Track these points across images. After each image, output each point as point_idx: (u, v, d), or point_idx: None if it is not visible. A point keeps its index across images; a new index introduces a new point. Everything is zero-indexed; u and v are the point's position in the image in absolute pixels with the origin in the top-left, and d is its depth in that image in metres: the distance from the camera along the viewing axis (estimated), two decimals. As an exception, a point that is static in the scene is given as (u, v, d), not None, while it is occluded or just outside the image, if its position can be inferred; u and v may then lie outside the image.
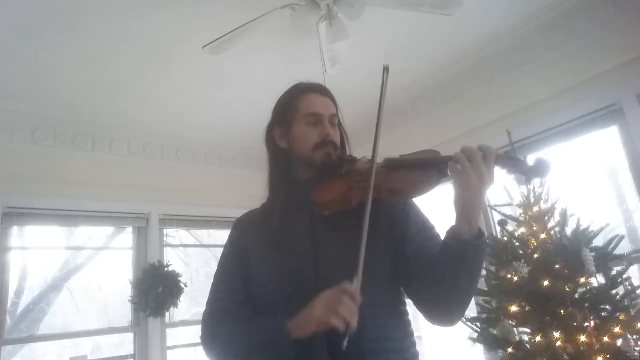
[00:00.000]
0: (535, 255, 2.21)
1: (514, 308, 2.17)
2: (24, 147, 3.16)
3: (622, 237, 2.16)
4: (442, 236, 1.00)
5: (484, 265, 2.26)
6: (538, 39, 2.85)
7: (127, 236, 3.69)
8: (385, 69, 1.05)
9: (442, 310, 1.00)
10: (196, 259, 4.33)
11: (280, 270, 1.06)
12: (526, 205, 2.35)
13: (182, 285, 3.49)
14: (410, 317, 1.11)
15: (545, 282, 2.10)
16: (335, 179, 1.09)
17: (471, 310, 2.68)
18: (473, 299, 1.95)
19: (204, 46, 2.36)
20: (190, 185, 3.85)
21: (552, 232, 2.25)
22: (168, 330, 3.51)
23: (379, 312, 1.02)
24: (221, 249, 1.24)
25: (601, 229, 2.15)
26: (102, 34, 2.52)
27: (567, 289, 2.03)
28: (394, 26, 2.75)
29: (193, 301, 3.88)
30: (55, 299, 3.61)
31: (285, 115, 1.18)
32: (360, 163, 1.08)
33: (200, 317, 1.15)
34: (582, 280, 2.06)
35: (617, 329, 1.94)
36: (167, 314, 3.45)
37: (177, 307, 3.47)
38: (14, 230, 3.16)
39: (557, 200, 2.30)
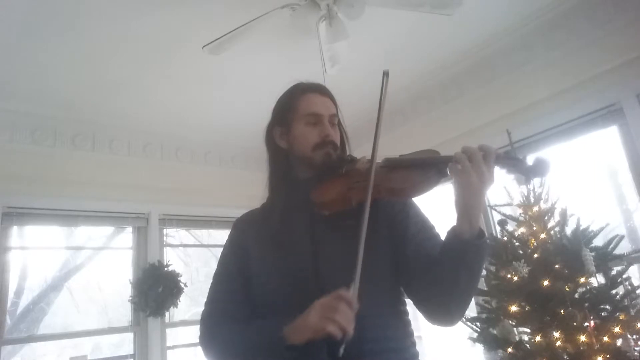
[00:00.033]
0: (535, 255, 2.21)
1: (514, 308, 2.17)
2: (24, 147, 3.16)
3: (622, 237, 2.16)
4: (442, 236, 1.00)
5: (484, 265, 2.26)
6: (538, 39, 2.85)
7: (127, 236, 3.69)
8: (385, 74, 1.05)
9: (442, 310, 1.00)
10: (196, 259, 4.33)
11: (280, 270, 1.06)
12: (526, 205, 2.35)
13: (182, 285, 3.49)
14: (410, 317, 1.11)
15: (545, 282, 2.10)
16: (335, 179, 1.09)
17: (471, 310, 2.68)
18: (473, 299, 1.95)
19: (204, 46, 2.36)
20: (190, 185, 3.85)
21: (552, 232, 2.25)
22: (168, 330, 3.51)
23: (378, 312, 1.01)
24: (221, 249, 1.24)
25: (601, 229, 2.15)
26: (102, 34, 2.52)
27: (567, 289, 2.03)
28: (394, 26, 2.75)
29: (193, 301, 3.88)
30: (55, 299, 3.61)
31: (285, 115, 1.18)
32: (360, 163, 1.08)
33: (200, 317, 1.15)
34: (582, 280, 2.06)
35: (617, 329, 1.94)
36: (167, 314, 3.45)
37: (177, 307, 3.47)
38: (14, 230, 3.16)
39: (557, 200, 2.30)
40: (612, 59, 2.51)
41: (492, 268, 2.34)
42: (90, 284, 3.61)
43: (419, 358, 1.07)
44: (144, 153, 3.71)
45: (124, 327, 3.42)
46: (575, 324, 1.97)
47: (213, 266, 1.22)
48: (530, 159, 0.94)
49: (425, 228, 1.08)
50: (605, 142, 2.70)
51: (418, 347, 1.09)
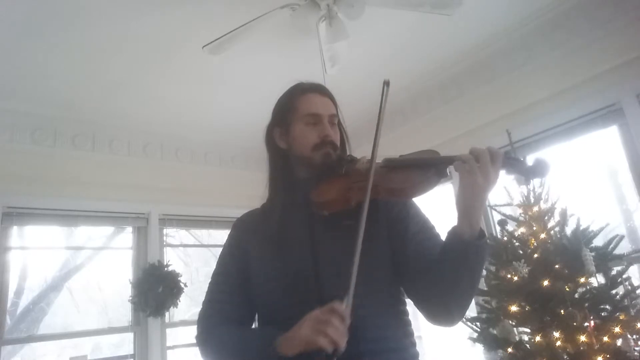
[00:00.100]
0: (535, 255, 2.21)
1: (514, 308, 2.17)
2: (24, 147, 3.16)
3: (622, 237, 2.16)
4: (442, 236, 1.00)
5: (485, 265, 2.26)
6: (538, 39, 2.85)
7: (127, 236, 3.69)
8: (386, 84, 1.05)
9: (443, 310, 1.00)
10: (196, 259, 4.34)
11: (279, 270, 1.07)
12: (526, 205, 2.35)
13: (182, 285, 3.49)
14: (410, 317, 1.11)
15: (545, 282, 2.10)
16: (335, 179, 1.09)
17: (471, 310, 2.68)
18: (473, 299, 1.95)
19: (204, 46, 2.36)
20: (190, 185, 3.85)
21: (552, 232, 2.25)
22: (168, 330, 3.51)
23: (378, 312, 1.01)
24: (221, 249, 1.24)
25: (601, 229, 2.15)
26: (102, 34, 2.52)
27: (567, 289, 2.03)
28: (394, 26, 2.75)
29: (193, 301, 3.88)
30: (55, 299, 3.61)
31: (285, 116, 1.18)
32: (360, 163, 1.08)
33: (200, 317, 1.15)
34: (582, 280, 2.06)
35: (617, 329, 1.94)
36: (167, 314, 3.45)
37: (177, 307, 3.48)
38: (14, 230, 3.16)
39: (557, 200, 2.30)
40: (612, 59, 2.51)
41: (492, 268, 2.34)
42: (90, 284, 3.61)
43: (419, 358, 1.07)
44: (144, 153, 3.71)
45: (124, 327, 3.42)
46: (575, 324, 1.97)
47: (213, 266, 1.22)
48: (530, 160, 0.94)
49: (425, 228, 1.08)
50: (605, 142, 2.70)
51: (418, 347, 1.08)
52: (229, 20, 2.30)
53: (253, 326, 1.17)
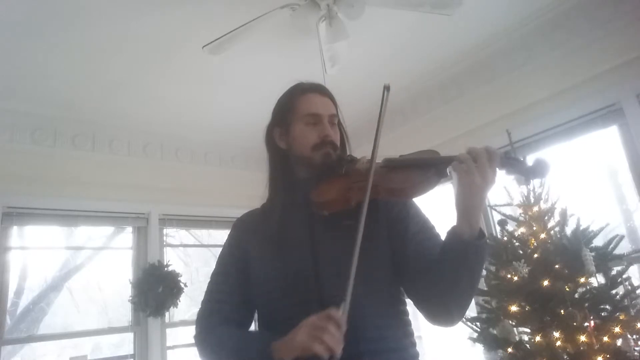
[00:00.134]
0: (535, 255, 2.21)
1: (514, 308, 2.17)
2: (24, 147, 3.16)
3: (622, 237, 2.16)
4: (442, 236, 1.00)
5: (485, 265, 2.26)
6: (538, 39, 2.85)
7: (127, 236, 3.69)
8: (386, 89, 1.04)
9: (443, 310, 1.00)
10: (196, 259, 4.33)
11: (279, 271, 1.07)
12: (526, 205, 2.35)
13: (182, 285, 3.49)
14: (410, 317, 1.11)
15: (545, 282, 2.10)
16: (335, 179, 1.09)
17: (471, 310, 2.68)
18: (473, 299, 1.95)
19: (204, 46, 2.36)
20: (190, 185, 3.85)
21: (552, 232, 2.25)
22: (168, 330, 3.51)
23: (378, 312, 1.02)
24: (221, 249, 1.24)
25: (601, 229, 2.15)
26: (102, 34, 2.52)
27: (567, 289, 2.03)
28: (394, 26, 2.75)
29: (193, 301, 3.88)
30: (55, 299, 3.61)
31: (285, 116, 1.18)
32: (360, 163, 1.08)
33: (200, 317, 1.15)
34: (582, 280, 2.06)
35: (617, 329, 1.94)
36: (167, 314, 3.45)
37: (177, 307, 3.48)
38: (14, 230, 3.16)
39: (557, 200, 2.30)
40: (612, 59, 2.51)
41: (492, 268, 2.34)
42: (90, 284, 3.61)
43: (419, 358, 1.07)
44: (144, 153, 3.71)
45: (124, 327, 3.42)
46: (575, 324, 1.97)
47: (213, 266, 1.22)
48: (530, 160, 0.94)
49: (425, 228, 1.08)
50: (605, 142, 2.70)
51: (418, 347, 1.08)
52: (229, 20, 2.30)
53: (252, 326, 1.18)
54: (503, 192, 2.46)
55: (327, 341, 0.82)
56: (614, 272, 2.09)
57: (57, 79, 2.90)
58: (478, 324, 2.34)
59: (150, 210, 3.64)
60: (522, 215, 2.36)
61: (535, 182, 2.34)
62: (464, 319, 2.24)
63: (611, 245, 2.14)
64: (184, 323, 3.71)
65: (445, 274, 0.95)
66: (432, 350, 3.46)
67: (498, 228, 2.53)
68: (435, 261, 0.97)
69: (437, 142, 2.96)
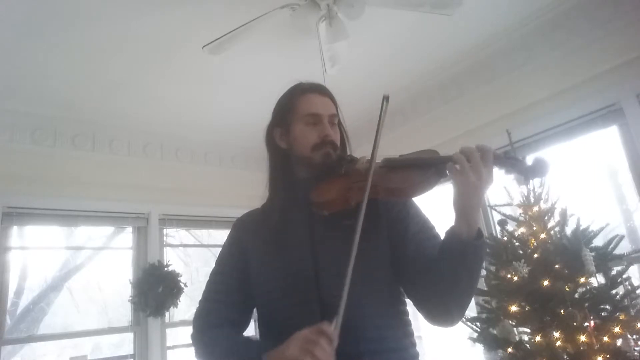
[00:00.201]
0: (535, 255, 2.21)
1: (514, 308, 2.17)
2: (24, 147, 3.16)
3: (622, 237, 2.16)
4: (442, 237, 1.00)
5: (484, 265, 2.26)
6: (538, 39, 2.85)
7: (127, 236, 3.69)
8: (385, 99, 1.04)
9: (442, 310, 1.00)
10: (196, 259, 4.33)
11: (279, 271, 1.07)
12: (526, 205, 2.35)
13: (182, 285, 3.49)
14: (410, 317, 1.11)
15: (545, 282, 2.10)
16: (335, 179, 1.09)
17: (471, 310, 2.68)
18: (473, 299, 1.95)
19: (204, 46, 2.36)
20: (190, 185, 3.85)
21: (552, 232, 2.25)
22: (168, 330, 3.51)
23: (378, 312, 1.02)
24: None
25: (601, 229, 2.15)
26: (102, 34, 2.52)
27: (567, 289, 2.03)
28: (394, 26, 2.75)
29: (193, 301, 3.88)
30: (55, 299, 3.61)
31: (285, 116, 1.18)
32: (360, 163, 1.08)
33: (200, 317, 1.16)
34: (582, 280, 2.06)
35: (617, 329, 1.94)
36: (167, 314, 3.45)
37: (177, 307, 3.48)
38: (14, 230, 3.17)
39: (557, 200, 2.30)
40: (612, 59, 2.51)
41: (492, 268, 2.34)
42: (90, 284, 3.61)
43: (419, 358, 1.07)
44: (144, 153, 3.71)
45: (124, 327, 3.42)
46: (575, 324, 1.97)
47: (213, 266, 1.22)
48: (529, 159, 0.94)
49: (425, 228, 1.08)
50: (605, 142, 2.70)
51: (418, 347, 1.08)
52: (229, 20, 2.30)
53: (250, 325, 1.18)
54: (503, 192, 2.46)
55: (319, 355, 0.82)
56: (614, 272, 2.08)
57: (57, 79, 2.90)
58: (478, 324, 2.34)
59: (150, 210, 3.64)
60: (522, 215, 2.36)
61: (535, 182, 2.34)
62: (463, 319, 2.24)
63: (611, 245, 2.14)
64: (184, 323, 3.71)
65: (444, 274, 0.94)
66: (432, 350, 3.46)
67: (498, 228, 2.53)
68: (435, 261, 0.97)
69: (437, 142, 2.96)
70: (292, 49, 2.86)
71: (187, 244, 4.24)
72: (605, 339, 1.95)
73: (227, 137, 4.00)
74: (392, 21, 2.68)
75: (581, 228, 2.16)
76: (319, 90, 1.19)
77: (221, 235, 4.01)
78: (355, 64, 2.99)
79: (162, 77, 3.01)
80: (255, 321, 1.19)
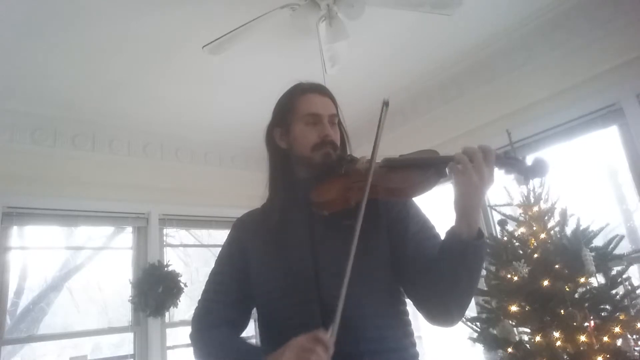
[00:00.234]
0: (535, 255, 2.21)
1: (514, 308, 2.17)
2: (24, 147, 3.16)
3: (622, 237, 2.16)
4: (442, 237, 1.00)
5: (484, 265, 2.26)
6: (538, 39, 2.85)
7: (127, 236, 3.69)
8: (385, 104, 1.04)
9: (442, 310, 1.00)
10: (196, 259, 4.34)
11: (279, 271, 1.07)
12: (526, 205, 2.35)
13: (182, 285, 3.49)
14: (410, 317, 1.11)
15: (545, 282, 2.10)
16: (335, 179, 1.09)
17: (471, 310, 2.68)
18: (473, 299, 1.95)
19: (204, 46, 2.36)
20: (190, 185, 3.85)
21: (552, 232, 2.25)
22: (168, 330, 3.51)
23: (378, 312, 1.02)
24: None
25: (601, 229, 2.15)
26: (102, 34, 2.52)
27: (567, 289, 2.03)
28: (394, 26, 2.75)
29: (193, 301, 3.88)
30: (55, 299, 3.61)
31: (285, 116, 1.18)
32: (360, 163, 1.08)
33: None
34: (582, 280, 2.06)
35: (617, 329, 1.94)
36: (167, 314, 3.45)
37: (177, 307, 3.48)
38: (14, 230, 3.16)
39: (557, 200, 2.30)
40: (612, 59, 2.51)
41: (492, 268, 2.34)
42: (90, 284, 3.61)
43: (419, 358, 1.07)
44: (144, 153, 3.71)
45: (124, 327, 3.42)
46: (575, 324, 1.97)
47: (213, 266, 1.22)
48: (528, 159, 0.94)
49: (425, 228, 1.08)
50: (605, 142, 2.70)
51: (418, 347, 1.08)
52: (229, 20, 2.30)
53: (250, 325, 1.18)
54: (503, 192, 2.46)
55: None
56: (614, 272, 2.09)
57: (57, 79, 2.90)
58: (478, 324, 2.34)
59: (150, 210, 3.64)
60: (522, 215, 2.36)
61: (535, 182, 2.34)
62: (464, 319, 2.24)
63: (611, 245, 2.14)
64: (184, 323, 3.71)
65: (444, 274, 0.94)
66: (432, 350, 3.46)
67: (498, 228, 2.53)
68: (435, 261, 0.97)
69: (437, 142, 2.96)
70: (292, 49, 2.86)
71: (187, 244, 4.24)
72: (605, 339, 1.95)
73: (227, 137, 4.00)
74: (392, 21, 2.68)
75: (581, 228, 2.16)
76: (319, 90, 1.19)
77: (221, 235, 4.01)
78: (355, 64, 2.99)
79: (162, 77, 3.01)
80: (255, 321, 1.19)
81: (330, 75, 2.60)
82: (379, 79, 3.30)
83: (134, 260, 3.56)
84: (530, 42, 2.88)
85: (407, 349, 1.04)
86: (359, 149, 1.17)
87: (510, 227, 2.40)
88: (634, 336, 1.95)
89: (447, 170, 0.97)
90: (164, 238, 3.75)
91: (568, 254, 2.11)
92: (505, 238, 2.35)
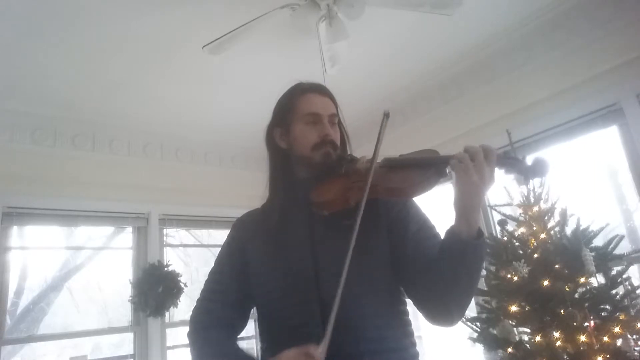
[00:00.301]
0: (535, 255, 2.21)
1: (514, 308, 2.17)
2: (24, 147, 3.16)
3: (622, 237, 2.16)
4: (442, 236, 1.00)
5: (484, 265, 2.26)
6: (538, 39, 2.85)
7: (127, 236, 3.69)
8: (386, 116, 1.03)
9: (442, 310, 1.00)
10: (196, 259, 4.34)
11: (279, 271, 1.07)
12: (526, 205, 2.35)
13: (182, 285, 3.49)
14: (410, 317, 1.11)
15: (545, 282, 2.10)
16: (335, 179, 1.09)
17: (471, 310, 2.68)
18: (473, 299, 1.95)
19: (204, 46, 2.36)
20: (190, 185, 3.85)
21: (552, 232, 2.25)
22: (168, 330, 3.51)
23: (378, 312, 1.01)
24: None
25: (601, 229, 2.15)
26: (102, 34, 2.52)
27: (567, 289, 2.03)
28: (394, 26, 2.75)
29: (193, 301, 3.83)
30: (55, 299, 3.61)
31: (285, 116, 1.18)
32: (360, 163, 1.08)
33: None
34: (582, 280, 2.06)
35: (617, 329, 1.94)
36: (167, 314, 3.45)
37: (177, 307, 3.48)
38: (14, 230, 3.16)
39: (557, 200, 2.30)
40: (612, 59, 2.51)
41: (492, 268, 2.34)
42: (90, 284, 3.62)
43: (419, 358, 1.07)
44: (144, 153, 3.71)
45: (124, 327, 3.42)
46: (575, 324, 1.97)
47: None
48: (529, 159, 0.94)
49: (425, 227, 1.08)
50: (605, 142, 2.70)
51: (418, 347, 1.08)
52: (229, 20, 2.30)
53: (249, 325, 1.18)
54: (503, 192, 2.46)
55: None
56: (614, 272, 2.08)
57: (57, 79, 2.90)
58: (478, 324, 2.34)
59: (150, 210, 3.64)
60: (522, 215, 2.36)
61: (535, 182, 2.34)
62: (463, 319, 2.24)
63: (611, 245, 2.14)
64: (184, 323, 3.71)
65: (444, 274, 0.94)
66: (432, 350, 3.46)
67: (498, 228, 2.53)
68: (435, 261, 0.97)
69: (437, 142, 2.96)
70: (292, 49, 2.85)
71: (187, 244, 4.24)
72: (605, 339, 1.95)
73: (227, 137, 4.00)
74: (392, 21, 2.68)
75: (581, 228, 2.16)
76: (319, 90, 1.19)
77: (221, 235, 4.01)
78: (355, 64, 2.99)
79: (162, 77, 3.01)
80: (255, 321, 1.19)
81: (330, 75, 2.60)
82: (379, 79, 3.30)
83: (134, 260, 3.56)
84: (530, 42, 2.88)
85: (407, 349, 1.04)
86: (359, 149, 1.17)
87: (510, 227, 2.40)
88: (634, 336, 1.95)
89: (447, 170, 0.97)
90: (164, 238, 3.75)
91: (568, 254, 2.11)
92: (505, 238, 2.35)
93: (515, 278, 2.18)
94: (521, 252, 2.26)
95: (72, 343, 3.41)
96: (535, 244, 2.24)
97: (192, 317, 1.15)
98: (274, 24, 2.37)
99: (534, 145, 2.88)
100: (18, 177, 3.06)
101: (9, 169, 3.05)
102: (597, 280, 2.10)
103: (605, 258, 2.11)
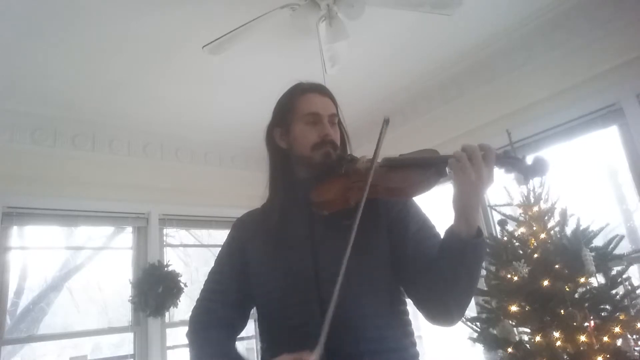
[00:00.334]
0: (535, 255, 2.21)
1: (514, 308, 2.17)
2: (24, 147, 3.16)
3: (622, 237, 2.16)
4: (442, 236, 1.00)
5: (484, 265, 2.27)
6: (538, 39, 2.85)
7: (127, 236, 3.69)
8: (386, 122, 1.03)
9: (442, 310, 1.00)
10: (196, 259, 4.34)
11: (279, 271, 1.07)
12: (526, 205, 2.35)
13: (182, 285, 3.49)
14: (410, 317, 1.11)
15: (545, 282, 2.10)
16: (335, 179, 1.09)
17: (471, 310, 2.68)
18: (473, 299, 1.95)
19: (204, 46, 2.36)
20: (190, 185, 3.85)
21: (552, 232, 2.25)
22: (168, 330, 3.51)
23: (378, 312, 1.01)
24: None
25: (601, 229, 2.15)
26: (102, 34, 2.52)
27: (567, 289, 2.03)
28: (394, 26, 2.75)
29: (193, 301, 3.83)
30: (55, 299, 3.61)
31: (285, 116, 1.18)
32: (360, 163, 1.08)
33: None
34: (582, 280, 2.06)
35: (617, 329, 1.94)
36: (167, 314, 3.45)
37: (177, 307, 3.48)
38: (14, 230, 3.16)
39: (557, 200, 2.30)
40: (612, 59, 2.51)
41: (492, 268, 2.34)
42: (90, 284, 3.62)
43: (419, 358, 1.07)
44: (144, 153, 3.71)
45: (124, 327, 3.42)
46: (575, 324, 1.97)
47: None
48: (528, 159, 0.94)
49: (425, 227, 1.08)
50: (605, 142, 2.70)
51: (418, 347, 1.08)
52: (229, 20, 2.30)
53: (249, 325, 1.19)
54: (503, 192, 2.46)
55: None
56: (614, 272, 2.08)
57: (57, 79, 2.90)
58: (478, 324, 2.34)
59: (150, 210, 3.64)
60: (522, 215, 2.36)
61: (535, 182, 2.34)
62: (463, 319, 2.24)
63: (611, 245, 2.14)
64: (184, 323, 3.71)
65: (444, 273, 0.94)
66: (432, 350, 3.46)
67: (498, 228, 2.52)
68: (435, 260, 0.97)
69: (437, 142, 2.96)
70: (292, 49, 2.86)
71: (187, 244, 4.24)
72: (605, 339, 1.95)
73: (227, 137, 4.00)
74: (392, 21, 2.68)
75: (581, 228, 2.16)
76: (319, 90, 1.19)
77: (221, 235, 4.01)
78: (355, 64, 2.99)
79: (162, 77, 3.01)
80: (255, 321, 1.19)
81: (330, 75, 2.60)
82: (379, 79, 3.30)
83: (134, 260, 3.56)
84: (530, 42, 2.88)
85: (407, 348, 1.04)
86: (359, 149, 1.17)
87: (510, 227, 2.40)
88: (634, 336, 1.95)
89: (447, 169, 0.97)
90: (164, 238, 3.75)
91: (568, 254, 2.11)
92: (505, 238, 2.35)
93: (515, 278, 2.18)
94: (521, 252, 2.26)
95: (72, 343, 3.41)
96: (535, 244, 2.24)
97: (191, 317, 1.15)
98: (274, 24, 2.37)
99: (534, 145, 2.88)
100: (18, 177, 3.06)
101: (9, 169, 3.05)
102: (597, 280, 2.10)
103: (605, 258, 2.11)
